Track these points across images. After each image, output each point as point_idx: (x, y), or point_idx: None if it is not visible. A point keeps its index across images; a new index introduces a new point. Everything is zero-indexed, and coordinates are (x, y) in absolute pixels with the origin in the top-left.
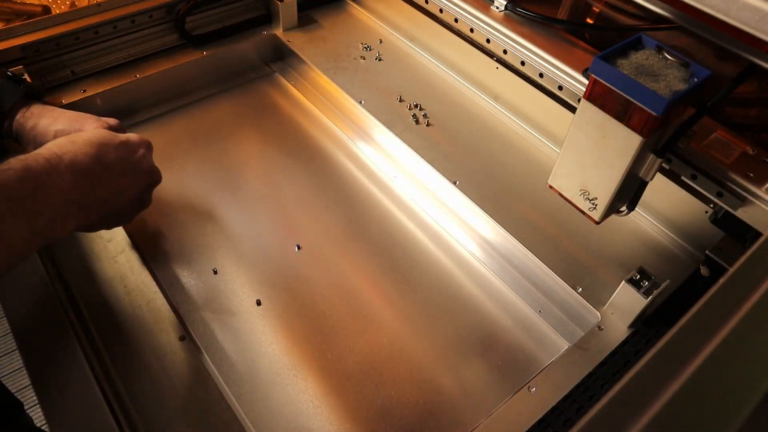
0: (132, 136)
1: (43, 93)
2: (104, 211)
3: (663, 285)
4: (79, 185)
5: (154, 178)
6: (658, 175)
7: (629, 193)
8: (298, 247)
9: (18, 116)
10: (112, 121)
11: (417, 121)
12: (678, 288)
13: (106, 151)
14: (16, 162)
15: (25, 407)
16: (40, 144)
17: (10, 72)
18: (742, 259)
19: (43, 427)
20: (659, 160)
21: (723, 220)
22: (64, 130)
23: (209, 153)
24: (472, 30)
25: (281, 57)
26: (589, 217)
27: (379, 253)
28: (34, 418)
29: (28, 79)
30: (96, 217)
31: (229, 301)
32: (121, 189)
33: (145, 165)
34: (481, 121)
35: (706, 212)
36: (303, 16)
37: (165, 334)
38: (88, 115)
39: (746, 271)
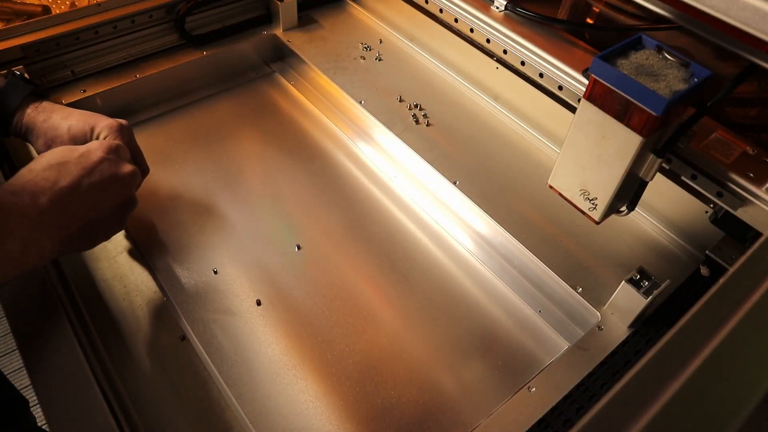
0: (92, 144)
1: (48, 94)
2: (83, 228)
3: (663, 285)
4: (47, 210)
5: (123, 178)
6: (658, 175)
7: (629, 193)
8: (298, 247)
9: (29, 110)
10: (123, 121)
11: (417, 121)
12: (678, 288)
13: (67, 171)
14: None
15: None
16: (51, 138)
17: (17, 72)
18: (742, 259)
19: (44, 427)
20: (659, 160)
21: (723, 220)
22: (77, 126)
23: (209, 153)
24: (472, 30)
25: (281, 57)
26: (589, 217)
27: (379, 253)
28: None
29: None
30: (77, 234)
31: (229, 301)
32: (93, 202)
33: (107, 170)
34: (481, 121)
35: (706, 212)
36: (303, 16)
37: (165, 334)
38: (100, 114)
39: (746, 271)
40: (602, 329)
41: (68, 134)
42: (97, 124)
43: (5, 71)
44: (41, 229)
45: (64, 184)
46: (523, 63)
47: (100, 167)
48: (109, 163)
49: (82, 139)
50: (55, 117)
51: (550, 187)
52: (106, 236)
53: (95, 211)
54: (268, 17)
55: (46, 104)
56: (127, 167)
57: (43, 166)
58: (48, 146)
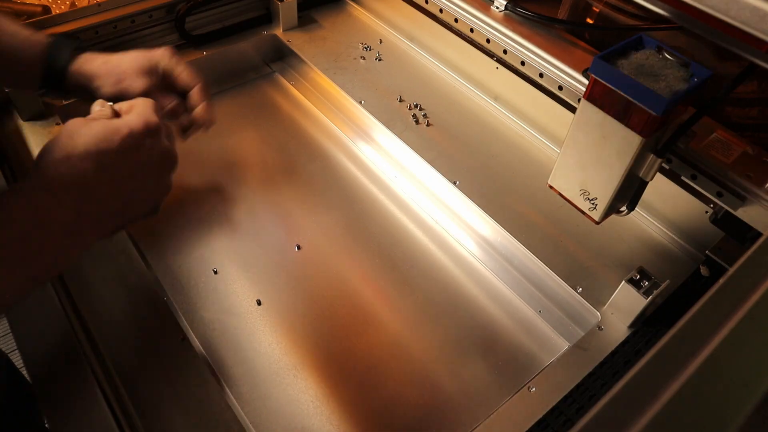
0: (134, 124)
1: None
2: (121, 218)
3: (663, 285)
4: (84, 210)
5: (167, 163)
6: (658, 175)
7: (629, 193)
8: (298, 247)
9: (82, 60)
10: (171, 50)
11: (417, 121)
12: (678, 288)
13: (108, 160)
14: (10, 197)
15: None
16: (119, 76)
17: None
18: (742, 259)
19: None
20: (659, 160)
21: (723, 220)
22: (140, 59)
23: (209, 153)
24: (472, 30)
25: (281, 57)
26: (589, 217)
27: (379, 253)
28: None
29: None
30: (112, 226)
31: (229, 301)
32: (132, 193)
33: (154, 154)
34: (481, 121)
35: (706, 212)
36: (303, 16)
37: (165, 334)
38: (147, 49)
39: (746, 271)
40: (602, 329)
41: (135, 68)
42: (153, 54)
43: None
44: (74, 234)
45: (108, 173)
46: (523, 63)
47: (145, 153)
48: (155, 148)
49: (151, 70)
50: (114, 58)
51: (550, 187)
52: (153, 211)
53: (135, 200)
54: (268, 17)
55: (95, 53)
56: (166, 147)
57: (80, 155)
58: (117, 85)
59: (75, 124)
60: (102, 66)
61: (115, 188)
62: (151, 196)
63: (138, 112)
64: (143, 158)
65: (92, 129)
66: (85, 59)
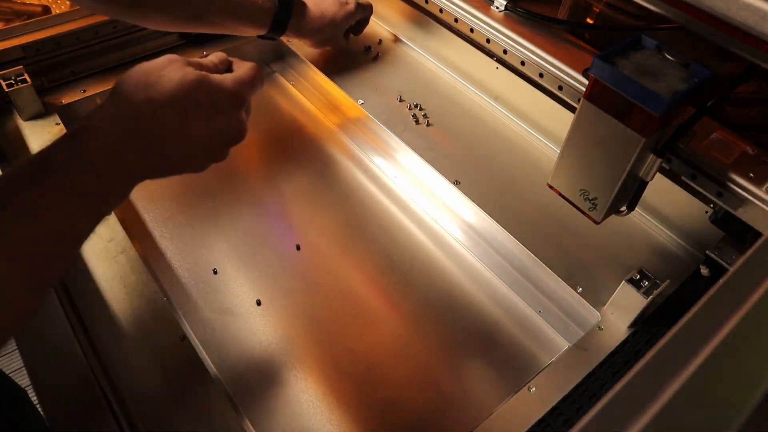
0: (229, 88)
1: None
2: (164, 171)
3: (663, 285)
4: (141, 150)
5: (236, 137)
6: (658, 175)
7: (629, 193)
8: (298, 247)
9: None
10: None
11: (417, 121)
12: (678, 288)
13: (189, 113)
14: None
15: None
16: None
17: None
18: (742, 259)
19: None
20: (659, 160)
21: (723, 220)
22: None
23: None
24: (472, 30)
25: (281, 57)
26: (589, 217)
27: (379, 253)
28: None
29: (28, 79)
30: (156, 173)
31: (229, 301)
32: (189, 152)
33: (232, 125)
34: (481, 121)
35: (706, 212)
36: None
37: (165, 334)
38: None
39: (746, 271)
40: (602, 329)
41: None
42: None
43: None
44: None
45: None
46: (523, 63)
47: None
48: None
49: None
50: (322, 19)
51: (550, 187)
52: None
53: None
54: None
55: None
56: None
57: (164, 102)
58: (325, 44)
59: (171, 65)
60: (311, 24)
61: (178, 143)
62: (203, 161)
63: (237, 80)
64: (219, 125)
65: (185, 78)
66: (301, 13)
